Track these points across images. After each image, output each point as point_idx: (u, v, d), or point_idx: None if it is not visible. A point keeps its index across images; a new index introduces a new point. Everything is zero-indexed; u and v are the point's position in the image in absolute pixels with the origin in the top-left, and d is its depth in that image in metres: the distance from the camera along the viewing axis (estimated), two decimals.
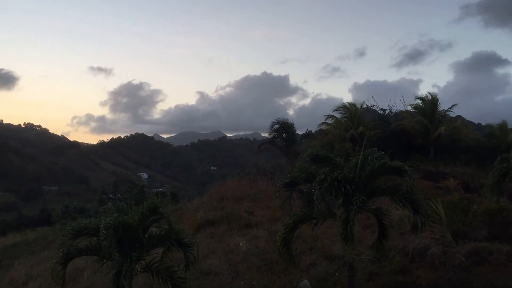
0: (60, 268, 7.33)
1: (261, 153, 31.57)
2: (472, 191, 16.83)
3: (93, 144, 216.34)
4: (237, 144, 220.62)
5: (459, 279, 8.62)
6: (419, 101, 27.61)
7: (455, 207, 11.59)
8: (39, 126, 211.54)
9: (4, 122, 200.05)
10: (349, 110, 27.08)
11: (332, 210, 7.73)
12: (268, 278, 9.98)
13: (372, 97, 41.89)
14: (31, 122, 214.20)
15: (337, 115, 27.85)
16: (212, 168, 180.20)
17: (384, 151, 8.15)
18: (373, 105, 32.00)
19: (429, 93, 27.26)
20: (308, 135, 29.05)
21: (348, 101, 27.77)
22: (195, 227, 16.70)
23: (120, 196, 47.69)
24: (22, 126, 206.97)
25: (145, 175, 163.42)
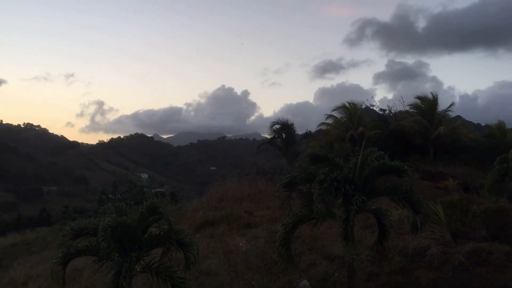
0: (60, 268, 7.33)
1: (260, 153, 31.63)
2: (472, 191, 16.84)
3: (92, 144, 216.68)
4: (236, 144, 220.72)
5: (459, 279, 8.62)
6: (418, 101, 27.62)
7: (455, 207, 11.59)
8: (39, 126, 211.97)
9: (4, 122, 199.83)
10: (349, 110, 27.08)
11: (332, 210, 7.73)
12: (268, 278, 9.98)
13: (372, 97, 41.94)
14: (31, 122, 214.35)
15: (337, 115, 27.88)
16: (211, 168, 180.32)
17: (384, 151, 8.15)
18: (373, 105, 32.08)
19: (431, 93, 27.26)
20: (307, 135, 29.05)
21: (348, 101, 27.73)
22: (195, 227, 16.70)
23: (119, 196, 47.67)
24: (22, 126, 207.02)
25: (144, 175, 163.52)
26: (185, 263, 7.36)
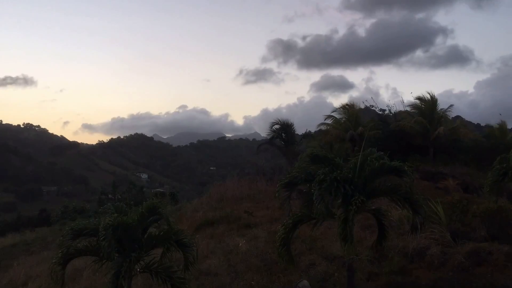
0: (59, 268, 7.32)
1: (260, 153, 31.53)
2: (472, 191, 16.84)
3: (92, 144, 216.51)
4: (236, 144, 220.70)
5: (459, 280, 8.62)
6: (418, 102, 27.64)
7: (455, 208, 11.59)
8: (38, 126, 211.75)
9: (4, 122, 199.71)
10: (348, 110, 27.11)
11: (332, 210, 7.73)
12: (268, 278, 9.98)
13: (371, 98, 41.99)
14: (30, 123, 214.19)
15: (337, 115, 27.91)
16: (211, 168, 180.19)
17: (384, 151, 8.14)
18: (372, 106, 32.11)
19: (429, 93, 27.29)
20: (307, 135, 29.06)
21: (347, 102, 27.78)
22: (195, 227, 16.68)
23: (119, 197, 47.57)
24: (22, 126, 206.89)
25: (144, 176, 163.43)
26: (184, 263, 7.37)
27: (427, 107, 26.80)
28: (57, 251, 7.68)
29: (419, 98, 27.55)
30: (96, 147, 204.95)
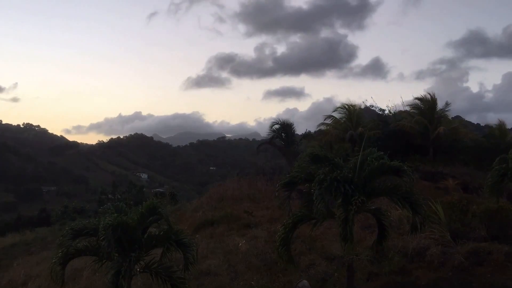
0: (59, 268, 7.32)
1: (260, 153, 31.54)
2: (471, 191, 16.85)
3: (92, 144, 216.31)
4: (236, 144, 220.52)
5: (458, 280, 8.62)
6: (418, 102, 27.64)
7: (454, 208, 11.59)
8: (38, 126, 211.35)
9: (3, 122, 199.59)
10: (348, 110, 27.10)
11: (332, 210, 7.73)
12: (268, 278, 9.98)
13: (371, 98, 41.98)
14: (30, 122, 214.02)
15: (336, 115, 27.89)
16: (211, 168, 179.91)
17: (383, 151, 8.14)
18: (372, 106, 32.12)
19: (429, 93, 27.30)
20: (307, 135, 29.05)
21: (347, 102, 27.80)
22: (194, 227, 16.69)
23: (119, 197, 47.53)
24: (21, 126, 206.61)
25: (144, 176, 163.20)
26: (184, 263, 7.36)
27: (427, 107, 26.81)
28: (57, 251, 7.67)
29: (419, 98, 27.58)
30: (95, 147, 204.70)
